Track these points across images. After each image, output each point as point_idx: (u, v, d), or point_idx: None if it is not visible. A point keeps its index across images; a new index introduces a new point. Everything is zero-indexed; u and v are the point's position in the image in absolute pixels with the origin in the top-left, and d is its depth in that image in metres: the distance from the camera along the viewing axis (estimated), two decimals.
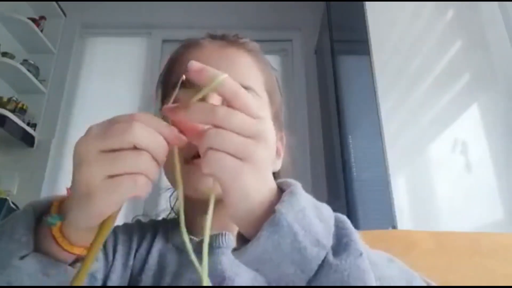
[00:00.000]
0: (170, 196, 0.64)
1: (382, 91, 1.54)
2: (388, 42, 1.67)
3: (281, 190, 0.35)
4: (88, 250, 0.34)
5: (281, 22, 2.81)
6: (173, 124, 0.34)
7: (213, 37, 0.58)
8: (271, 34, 2.68)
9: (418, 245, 0.63)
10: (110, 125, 0.32)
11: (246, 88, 0.50)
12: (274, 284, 0.35)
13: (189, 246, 0.33)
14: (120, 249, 0.51)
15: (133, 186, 0.31)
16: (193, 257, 0.32)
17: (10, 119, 2.20)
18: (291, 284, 0.33)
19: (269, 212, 0.32)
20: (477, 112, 1.47)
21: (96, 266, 0.45)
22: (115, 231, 0.54)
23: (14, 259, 0.34)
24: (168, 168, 0.47)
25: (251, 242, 0.32)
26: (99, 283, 0.46)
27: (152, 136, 0.32)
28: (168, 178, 0.52)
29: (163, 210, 0.64)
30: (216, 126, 0.31)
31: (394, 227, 1.33)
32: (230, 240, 0.50)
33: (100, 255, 0.49)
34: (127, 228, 0.55)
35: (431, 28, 1.65)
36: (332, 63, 2.10)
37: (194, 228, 0.53)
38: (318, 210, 0.35)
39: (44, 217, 0.36)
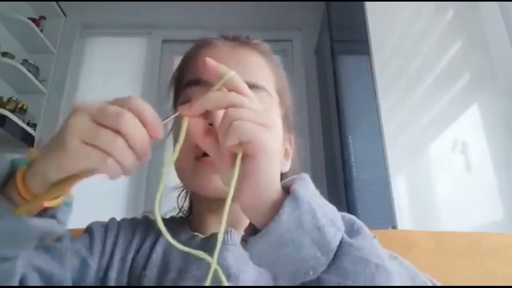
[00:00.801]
0: (178, 196, 0.65)
1: (382, 91, 1.54)
2: (388, 42, 1.67)
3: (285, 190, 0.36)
4: (43, 193, 0.35)
5: (281, 22, 2.81)
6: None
7: (225, 37, 0.59)
8: (271, 34, 2.64)
9: (418, 245, 0.63)
10: (110, 104, 0.35)
11: (258, 87, 0.52)
12: (288, 277, 0.35)
13: (164, 231, 0.36)
14: (121, 243, 0.52)
15: (100, 162, 0.33)
16: (167, 236, 0.36)
17: (10, 119, 2.20)
18: (310, 272, 0.33)
19: (278, 206, 0.33)
20: (477, 112, 1.46)
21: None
22: (119, 224, 0.55)
23: None
24: (178, 164, 0.49)
25: (271, 222, 0.33)
26: (92, 270, 0.48)
27: (137, 129, 0.34)
28: (177, 173, 0.53)
29: (170, 211, 0.65)
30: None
31: (394, 227, 1.33)
32: (235, 237, 0.50)
33: (98, 245, 0.51)
34: (132, 223, 0.56)
35: (431, 28, 1.64)
36: (332, 63, 2.10)
37: (200, 225, 0.54)
38: (323, 200, 0.37)
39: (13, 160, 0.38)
